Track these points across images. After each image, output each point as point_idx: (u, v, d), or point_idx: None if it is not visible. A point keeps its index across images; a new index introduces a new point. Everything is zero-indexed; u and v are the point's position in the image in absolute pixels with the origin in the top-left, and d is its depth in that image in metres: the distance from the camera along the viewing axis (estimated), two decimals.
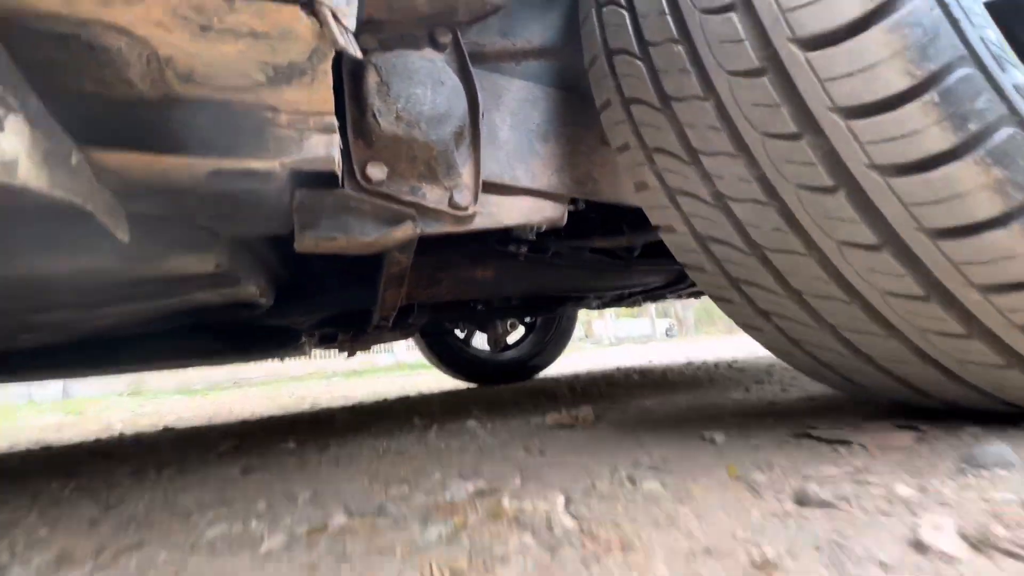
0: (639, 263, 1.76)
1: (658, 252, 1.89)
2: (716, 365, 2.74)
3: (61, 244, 0.68)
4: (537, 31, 1.05)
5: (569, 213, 1.22)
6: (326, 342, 2.42)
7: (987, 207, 0.49)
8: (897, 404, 0.84)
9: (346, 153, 0.79)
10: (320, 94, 0.61)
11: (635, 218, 1.58)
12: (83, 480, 1.09)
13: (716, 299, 0.85)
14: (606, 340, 13.47)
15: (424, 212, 0.84)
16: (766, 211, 0.63)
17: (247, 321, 1.59)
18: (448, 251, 1.55)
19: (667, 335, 14.80)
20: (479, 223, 0.90)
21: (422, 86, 0.82)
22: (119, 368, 1.61)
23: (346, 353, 2.51)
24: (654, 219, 0.84)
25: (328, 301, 1.50)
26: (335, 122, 0.64)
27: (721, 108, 0.61)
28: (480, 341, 3.21)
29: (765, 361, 2.60)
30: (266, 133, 0.60)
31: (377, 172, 0.80)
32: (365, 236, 0.79)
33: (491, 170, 0.93)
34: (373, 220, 0.80)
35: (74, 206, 0.48)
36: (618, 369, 3.14)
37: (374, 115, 0.78)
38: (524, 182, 0.95)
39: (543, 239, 1.56)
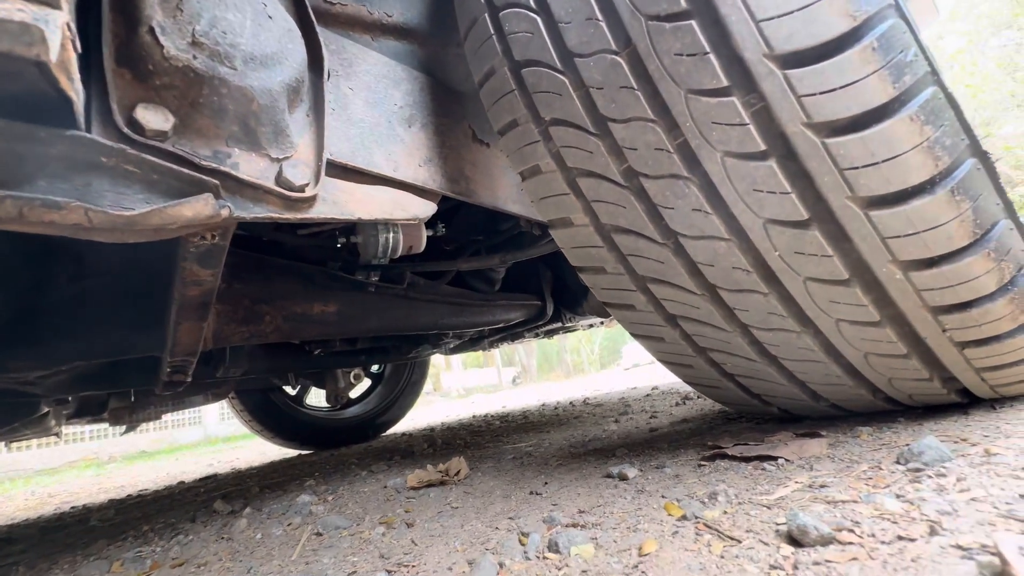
0: (499, 296, 1.65)
1: (517, 286, 1.82)
2: (572, 403, 2.73)
3: None
4: (396, 6, 0.89)
5: (428, 239, 1.05)
6: (88, 413, 1.76)
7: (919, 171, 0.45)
8: (769, 416, 0.81)
9: (99, 87, 0.51)
10: None
11: (501, 242, 1.48)
12: None
13: (613, 306, 0.74)
14: (455, 392, 13.22)
15: (237, 187, 0.58)
16: (686, 187, 0.54)
17: None
18: (275, 277, 1.23)
19: (513, 383, 15.19)
20: (321, 211, 0.66)
21: (237, 12, 0.59)
22: None
23: (122, 427, 1.87)
24: (546, 213, 0.71)
25: (85, 345, 1.03)
26: None
27: (637, 62, 0.52)
28: (316, 398, 2.74)
29: (616, 396, 2.68)
30: None
31: (154, 118, 0.52)
32: (125, 209, 0.49)
33: (340, 149, 0.72)
34: (144, 188, 0.51)
35: None
36: (475, 417, 2.95)
37: (152, 32, 0.52)
38: (384, 169, 0.75)
39: (398, 265, 1.35)
